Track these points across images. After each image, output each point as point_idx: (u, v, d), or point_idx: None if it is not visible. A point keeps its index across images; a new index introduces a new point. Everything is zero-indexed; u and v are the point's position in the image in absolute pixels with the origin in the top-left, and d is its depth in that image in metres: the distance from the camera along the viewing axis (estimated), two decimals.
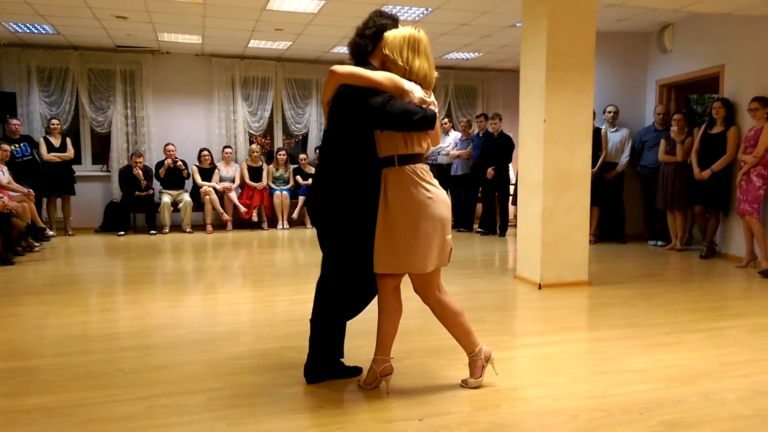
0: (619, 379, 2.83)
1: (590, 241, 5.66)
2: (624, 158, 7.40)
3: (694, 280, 5.27)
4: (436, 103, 2.61)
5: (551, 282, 4.87)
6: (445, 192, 2.65)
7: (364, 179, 2.58)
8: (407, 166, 2.52)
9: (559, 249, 4.91)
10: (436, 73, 2.65)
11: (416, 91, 2.52)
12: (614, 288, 4.85)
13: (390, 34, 2.61)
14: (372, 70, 2.54)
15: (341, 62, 8.97)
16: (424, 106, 2.51)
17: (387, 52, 2.58)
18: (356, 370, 2.87)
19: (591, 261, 5.18)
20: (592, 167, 6.46)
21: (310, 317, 2.82)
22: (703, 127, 6.48)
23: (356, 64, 2.63)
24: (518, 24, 7.02)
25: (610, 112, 7.46)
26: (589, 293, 4.72)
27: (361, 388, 2.70)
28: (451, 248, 2.69)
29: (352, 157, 2.59)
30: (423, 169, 2.56)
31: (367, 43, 2.66)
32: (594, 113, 7.38)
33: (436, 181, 2.61)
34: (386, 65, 2.59)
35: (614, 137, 7.43)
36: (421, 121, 2.47)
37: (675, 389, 2.70)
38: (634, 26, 7.34)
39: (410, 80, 2.54)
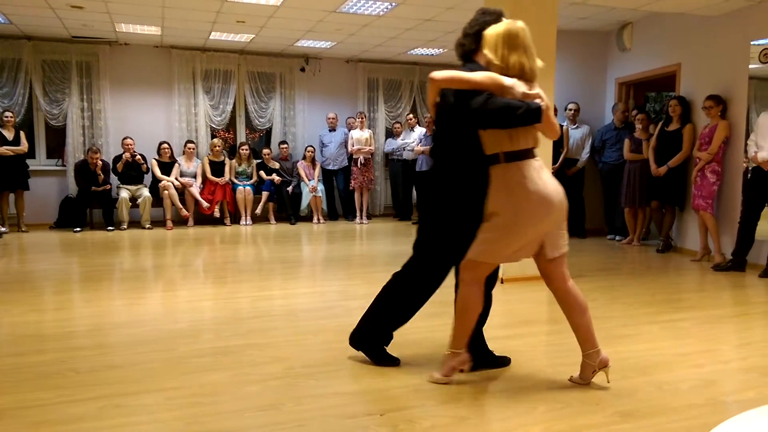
0: (577, 371, 2.87)
1: None
2: (584, 155, 7.54)
3: (650, 274, 5.40)
4: (542, 94, 2.54)
5: (513, 276, 4.93)
6: (558, 185, 2.59)
7: (474, 178, 2.60)
8: (515, 163, 2.51)
9: None
10: (540, 63, 2.60)
11: (518, 86, 2.49)
12: (575, 281, 4.92)
13: (488, 32, 2.59)
14: (477, 69, 2.56)
15: (305, 56, 8.88)
16: (527, 100, 2.47)
17: (485, 51, 2.58)
18: (395, 361, 2.92)
19: None
20: (554, 163, 6.57)
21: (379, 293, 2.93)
22: (660, 124, 6.65)
23: (463, 64, 2.69)
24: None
25: (571, 109, 7.59)
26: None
27: (572, 382, 2.68)
28: (562, 242, 2.66)
29: (462, 157, 2.63)
30: (530, 165, 2.53)
31: (471, 42, 2.69)
32: (556, 110, 7.52)
33: (546, 175, 2.57)
34: (489, 63, 2.58)
35: (575, 134, 7.56)
36: (526, 115, 2.43)
37: (630, 380, 2.76)
38: (594, 25, 7.47)
39: (509, 76, 2.51)
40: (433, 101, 2.64)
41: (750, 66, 5.74)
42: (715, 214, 5.87)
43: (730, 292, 4.71)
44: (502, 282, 4.88)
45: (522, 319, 3.85)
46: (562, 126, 7.41)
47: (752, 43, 5.71)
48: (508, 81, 2.49)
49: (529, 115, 2.43)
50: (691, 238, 6.43)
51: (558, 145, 7.04)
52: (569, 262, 5.83)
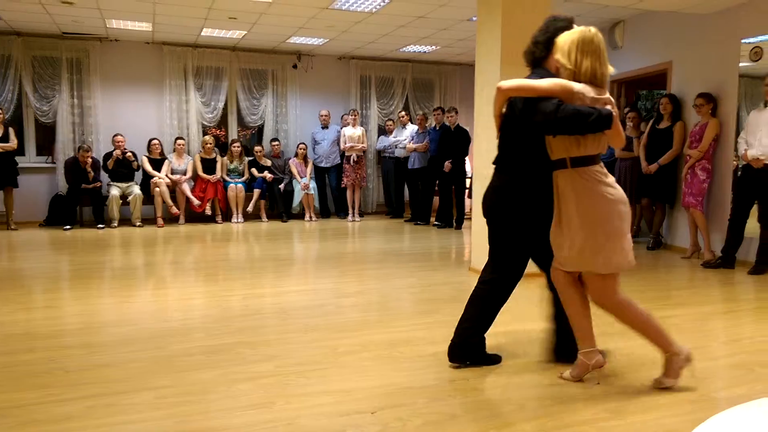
0: (568, 368, 2.88)
1: None
2: None
3: (640, 271, 5.43)
4: (612, 100, 2.57)
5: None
6: (622, 192, 2.63)
7: (541, 183, 2.67)
8: (581, 168, 2.53)
9: None
10: (612, 69, 2.63)
11: (587, 92, 2.50)
12: None
13: (560, 38, 2.62)
14: (546, 76, 2.59)
15: (297, 52, 8.83)
16: (597, 106, 2.48)
17: (557, 56, 2.59)
18: (497, 358, 2.96)
19: None
20: None
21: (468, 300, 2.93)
22: (651, 122, 6.67)
23: (531, 71, 2.73)
24: (474, 18, 7.06)
25: None
26: (540, 284, 4.77)
27: (564, 379, 2.71)
28: (627, 251, 2.63)
29: (531, 160, 2.68)
30: (596, 171, 2.55)
31: (541, 50, 2.73)
32: None
33: (611, 180, 2.60)
34: (559, 69, 2.61)
35: None
36: (597, 122, 2.44)
37: (621, 376, 2.77)
38: (586, 22, 7.44)
39: (579, 81, 2.52)
40: (499, 111, 2.69)
41: (740, 64, 5.77)
42: (704, 212, 5.90)
43: (720, 289, 4.74)
44: None
45: (514, 317, 3.85)
46: None
47: (742, 41, 5.74)
48: (577, 86, 2.50)
49: (600, 121, 2.45)
50: (681, 236, 6.46)
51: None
52: None
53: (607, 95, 2.57)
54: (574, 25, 2.69)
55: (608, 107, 2.50)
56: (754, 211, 5.36)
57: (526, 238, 2.78)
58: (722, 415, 1.17)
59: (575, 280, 2.69)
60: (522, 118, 2.60)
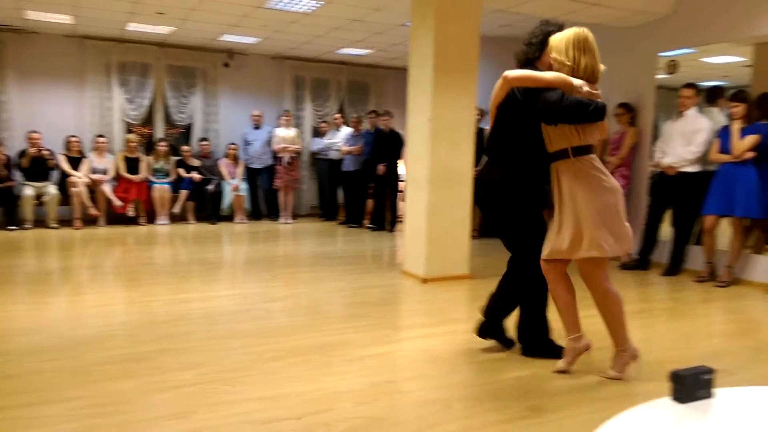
0: (494, 367, 2.95)
1: (473, 236, 5.88)
2: None
3: None
4: (601, 94, 2.76)
5: (435, 276, 5.00)
6: (615, 181, 2.85)
7: (537, 172, 2.87)
8: (582, 157, 2.72)
9: (442, 244, 5.05)
10: (602, 66, 2.80)
11: (584, 86, 2.68)
12: (493, 281, 4.98)
13: (555, 38, 2.81)
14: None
15: (229, 51, 8.62)
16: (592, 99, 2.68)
17: (554, 55, 2.77)
18: (512, 342, 3.20)
19: (473, 255, 5.38)
20: (477, 166, 6.72)
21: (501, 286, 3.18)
22: None
23: (524, 67, 2.89)
24: (408, 23, 7.13)
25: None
26: (470, 286, 4.91)
27: (559, 370, 2.85)
28: (631, 236, 2.83)
29: (525, 153, 2.86)
30: (596, 159, 2.76)
31: (535, 50, 2.93)
32: (483, 113, 7.71)
33: (605, 169, 2.81)
34: (554, 68, 2.76)
35: None
36: (595, 112, 2.65)
37: (542, 375, 2.85)
38: (516, 32, 7.70)
39: (577, 77, 2.69)
40: (499, 101, 2.83)
41: (657, 76, 6.10)
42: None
43: (635, 290, 4.98)
44: (424, 282, 4.94)
45: (442, 318, 3.90)
46: (484, 129, 7.60)
47: (659, 54, 6.06)
48: (576, 81, 2.68)
49: (598, 112, 2.67)
50: None
51: (480, 148, 7.20)
52: (490, 262, 5.99)
53: (599, 91, 2.76)
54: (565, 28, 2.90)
55: (600, 100, 2.73)
56: (668, 215, 5.68)
57: (526, 224, 2.96)
58: (623, 416, 1.21)
59: (565, 273, 2.88)
60: (523, 107, 2.77)
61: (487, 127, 8.01)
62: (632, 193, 6.27)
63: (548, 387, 2.72)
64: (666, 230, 5.69)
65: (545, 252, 2.83)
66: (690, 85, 5.47)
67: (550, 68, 2.82)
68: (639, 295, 4.81)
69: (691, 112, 5.42)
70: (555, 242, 2.78)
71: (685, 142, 5.40)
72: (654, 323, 3.96)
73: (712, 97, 5.75)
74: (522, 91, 2.77)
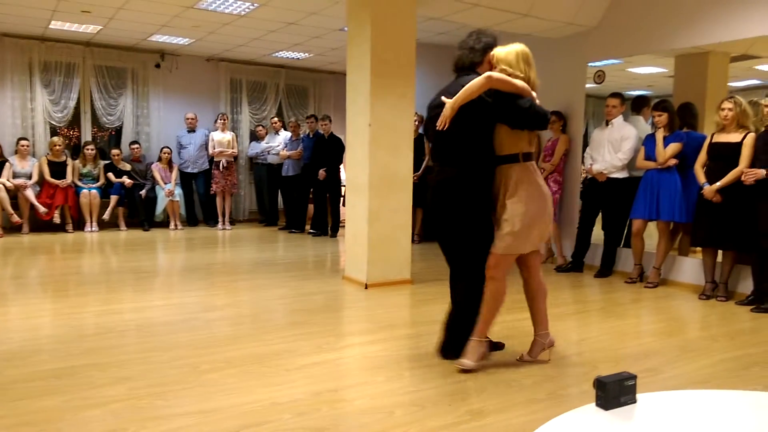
0: (433, 373, 2.96)
1: (414, 240, 5.94)
2: None
3: None
4: None
5: (377, 281, 5.00)
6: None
7: (488, 174, 2.98)
8: (529, 163, 2.96)
9: (384, 249, 5.05)
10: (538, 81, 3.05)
11: (535, 98, 2.93)
12: (433, 285, 5.11)
13: (502, 52, 3.02)
14: (469, 78, 2.91)
15: (160, 51, 8.34)
16: None
17: (504, 66, 2.95)
18: (500, 345, 3.32)
19: (414, 260, 5.41)
20: (416, 171, 6.78)
21: (454, 301, 3.16)
22: None
23: (458, 75, 3.06)
24: (345, 28, 7.12)
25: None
26: (411, 291, 4.93)
27: (523, 360, 3.13)
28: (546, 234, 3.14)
29: (479, 154, 2.96)
30: (536, 166, 3.02)
31: (478, 56, 3.05)
32: (423, 119, 7.78)
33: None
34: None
35: None
36: (547, 122, 3.00)
37: (480, 379, 2.89)
38: (452, 40, 7.82)
39: None
40: (469, 100, 2.84)
41: (587, 85, 6.34)
42: (557, 220, 6.39)
43: (570, 292, 5.14)
44: (366, 287, 4.93)
45: (384, 324, 3.90)
46: (423, 135, 7.68)
47: (588, 64, 6.31)
48: (533, 92, 2.95)
49: (548, 121, 3.00)
50: None
51: (419, 154, 7.27)
52: (430, 266, 6.04)
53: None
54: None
55: None
56: (600, 219, 5.91)
57: (479, 225, 3.00)
58: (549, 424, 1.24)
59: (527, 272, 3.12)
60: (491, 109, 2.88)
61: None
62: (565, 198, 6.48)
63: (486, 389, 2.76)
64: (598, 233, 5.91)
65: (501, 248, 2.94)
66: (616, 95, 5.71)
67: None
68: (573, 296, 4.98)
69: (618, 121, 5.66)
70: (506, 239, 2.93)
71: (613, 149, 5.63)
72: (588, 323, 4.10)
73: (637, 106, 6.03)
74: (494, 94, 2.88)
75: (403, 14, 5.02)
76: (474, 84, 2.84)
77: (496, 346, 3.31)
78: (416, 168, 6.71)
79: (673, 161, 5.09)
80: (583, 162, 6.16)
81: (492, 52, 3.06)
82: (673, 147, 5.09)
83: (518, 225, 2.91)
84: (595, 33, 6.21)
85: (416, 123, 6.81)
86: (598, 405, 1.35)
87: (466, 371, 2.94)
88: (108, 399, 2.55)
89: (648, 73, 6.11)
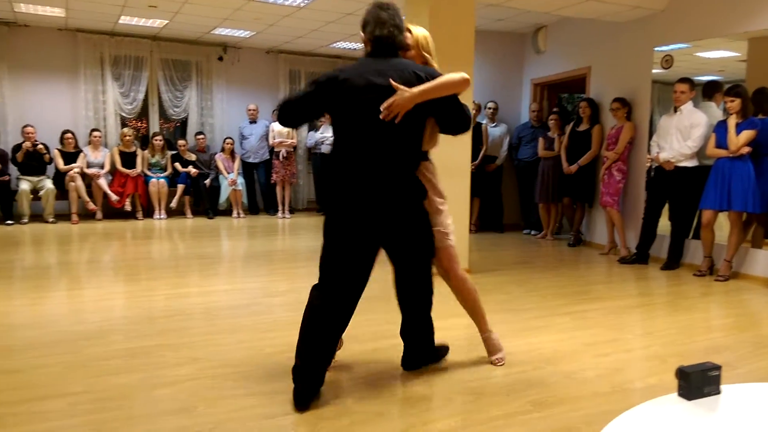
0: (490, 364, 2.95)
1: (471, 230, 5.90)
2: (503, 152, 7.78)
3: (562, 267, 5.65)
4: None
5: (433, 271, 4.99)
6: None
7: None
8: (429, 161, 2.76)
9: None
10: None
11: None
12: (492, 275, 5.08)
13: (421, 34, 2.73)
14: (412, 66, 2.52)
15: (223, 44, 8.52)
16: None
17: (425, 53, 2.72)
18: (446, 350, 3.03)
19: (471, 249, 5.38)
20: (474, 160, 6.73)
21: (409, 308, 2.82)
22: (571, 124, 6.96)
23: (384, 55, 2.51)
24: (402, 17, 7.10)
25: (490, 108, 7.80)
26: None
27: (495, 362, 2.92)
28: None
29: (420, 152, 2.63)
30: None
31: (405, 38, 2.62)
32: (480, 108, 7.71)
33: None
34: (423, 62, 2.68)
35: (494, 132, 7.77)
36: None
37: (542, 370, 2.86)
38: (511, 26, 7.70)
39: None
40: (436, 96, 2.46)
41: (653, 71, 6.11)
42: (620, 210, 6.21)
43: (635, 284, 5.00)
44: None
45: (443, 313, 3.89)
46: (481, 124, 7.60)
47: (655, 49, 6.07)
48: None
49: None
50: (599, 233, 6.77)
51: (477, 143, 7.21)
52: (488, 256, 6.00)
53: None
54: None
55: None
56: (666, 210, 5.70)
57: (428, 227, 2.74)
58: (630, 413, 1.22)
59: (445, 273, 2.91)
60: (442, 109, 2.53)
61: (484, 121, 8.04)
62: (630, 187, 6.29)
63: (546, 381, 2.73)
64: (664, 224, 5.71)
65: (452, 239, 2.82)
66: (685, 80, 5.47)
67: (418, 60, 2.68)
68: (638, 289, 4.84)
69: (688, 107, 5.43)
70: (450, 231, 2.84)
71: (681, 137, 5.42)
72: (654, 317, 3.98)
73: (708, 91, 5.76)
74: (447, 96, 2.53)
75: (461, 1, 4.97)
76: (452, 82, 2.46)
77: (442, 351, 3.01)
78: (474, 157, 6.65)
79: (747, 149, 4.85)
80: (649, 150, 5.95)
81: (415, 34, 2.70)
82: (747, 134, 4.85)
83: (445, 219, 2.79)
84: (662, 16, 5.96)
85: (474, 111, 6.74)
86: (680, 395, 1.32)
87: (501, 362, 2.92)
88: (179, 378, 2.67)
89: (719, 57, 5.82)
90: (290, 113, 2.55)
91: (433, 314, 2.89)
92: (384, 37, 2.51)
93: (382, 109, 2.38)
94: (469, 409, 2.42)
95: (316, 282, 2.58)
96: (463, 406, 2.44)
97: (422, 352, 2.85)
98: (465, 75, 2.49)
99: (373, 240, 2.57)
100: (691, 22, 5.67)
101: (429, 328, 2.85)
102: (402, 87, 2.38)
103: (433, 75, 2.49)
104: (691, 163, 5.39)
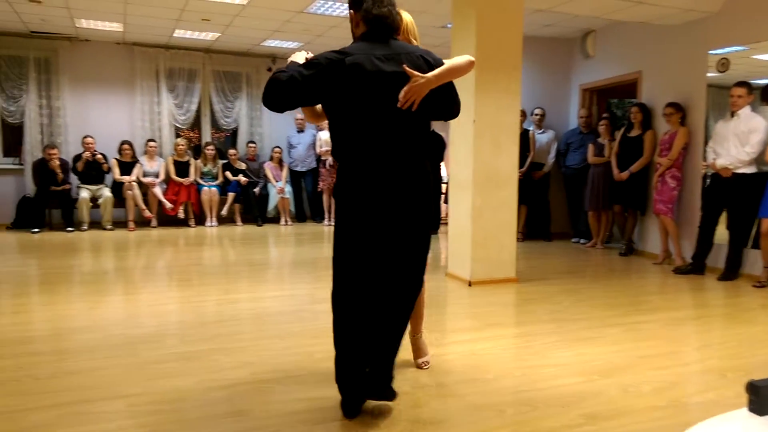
0: (544, 374, 2.91)
1: (518, 239, 5.83)
2: (550, 159, 7.67)
3: (613, 277, 5.51)
4: None
5: (480, 279, 4.97)
6: None
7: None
8: None
9: (487, 247, 5.01)
10: None
11: None
12: (540, 284, 5.01)
13: (408, 18, 2.65)
14: (413, 47, 2.42)
15: (272, 56, 8.68)
16: None
17: (411, 36, 2.66)
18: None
19: (518, 258, 5.32)
20: (521, 167, 6.66)
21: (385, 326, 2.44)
22: (622, 130, 6.80)
23: (387, 36, 2.35)
24: (449, 25, 7.11)
25: (537, 114, 7.71)
26: (517, 290, 4.85)
27: (423, 366, 2.93)
28: None
29: (426, 145, 2.46)
30: None
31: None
32: (525, 114, 7.63)
33: None
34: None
35: (541, 138, 7.67)
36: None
37: (595, 382, 2.80)
38: (559, 32, 7.60)
39: None
40: (445, 81, 2.34)
41: (708, 74, 5.92)
42: (675, 219, 6.02)
43: (690, 295, 4.84)
44: (470, 285, 4.91)
45: (490, 322, 3.87)
46: (528, 130, 7.52)
47: (710, 52, 5.88)
48: None
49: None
50: (652, 242, 6.58)
51: (524, 149, 7.13)
52: (535, 265, 5.92)
53: None
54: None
55: None
56: (724, 218, 5.49)
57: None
58: (697, 428, 1.18)
59: None
60: (446, 97, 2.41)
61: (530, 128, 7.95)
62: (685, 195, 6.10)
63: (602, 394, 2.67)
64: (722, 233, 5.51)
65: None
66: (742, 84, 5.28)
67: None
68: (695, 300, 4.68)
69: (745, 112, 5.24)
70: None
71: (739, 142, 5.22)
72: (711, 329, 3.84)
73: (767, 95, 5.54)
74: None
75: (509, 8, 4.94)
76: (462, 66, 2.35)
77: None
78: (520, 164, 6.59)
79: None
80: (705, 157, 5.76)
81: (403, 17, 2.59)
82: None
83: None
84: (717, 18, 5.78)
85: (521, 118, 6.67)
86: (751, 410, 1.27)
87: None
88: (233, 381, 2.73)
89: None
90: (282, 95, 2.22)
91: (471, 323, 2.82)
92: (383, 17, 2.31)
93: (400, 97, 2.23)
94: (520, 420, 2.39)
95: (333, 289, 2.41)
96: (514, 417, 2.41)
97: (386, 378, 2.41)
98: (471, 57, 2.40)
99: (389, 232, 2.32)
100: (747, 24, 5.47)
101: (396, 349, 2.45)
102: (417, 73, 2.24)
103: (438, 60, 2.37)
104: (750, 170, 5.18)
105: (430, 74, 2.27)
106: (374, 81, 2.23)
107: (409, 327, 2.76)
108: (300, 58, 2.37)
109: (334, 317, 2.40)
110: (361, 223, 2.31)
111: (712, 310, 4.41)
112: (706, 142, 5.78)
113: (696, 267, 5.60)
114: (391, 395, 2.40)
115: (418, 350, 3.00)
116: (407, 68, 2.24)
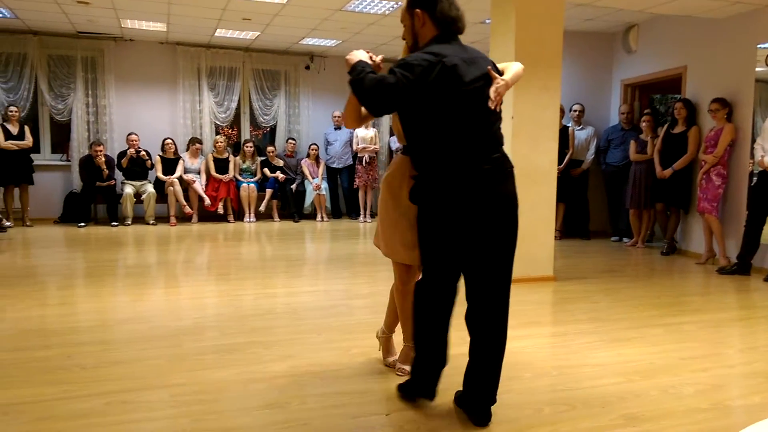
0: (582, 374, 2.87)
1: (555, 236, 5.75)
2: (589, 156, 7.53)
3: (654, 276, 5.39)
4: None
5: (518, 277, 4.86)
6: None
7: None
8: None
9: (525, 244, 4.92)
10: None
11: None
12: (578, 283, 4.94)
13: None
14: (474, 49, 2.39)
15: (310, 54, 8.74)
16: None
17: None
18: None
19: (556, 256, 5.26)
20: (559, 164, 6.57)
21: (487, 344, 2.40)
22: (665, 126, 6.63)
23: (457, 38, 2.37)
24: (488, 21, 7.05)
25: (575, 110, 7.58)
26: (554, 288, 4.80)
27: (402, 371, 2.77)
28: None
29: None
30: None
31: None
32: (563, 111, 7.51)
33: None
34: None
35: (580, 135, 7.54)
36: None
37: (635, 383, 2.75)
38: (600, 26, 7.45)
39: None
40: None
41: (756, 69, 5.72)
42: (720, 218, 5.85)
43: (735, 296, 4.70)
44: None
45: (528, 321, 3.84)
46: (567, 127, 7.40)
47: (758, 46, 5.69)
48: None
49: None
50: (695, 241, 6.41)
51: (563, 146, 7.02)
52: (573, 264, 5.84)
53: None
54: None
55: None
56: None
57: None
58: (754, 428, 1.15)
59: None
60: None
61: (569, 124, 7.83)
62: (730, 193, 5.92)
63: (642, 395, 2.62)
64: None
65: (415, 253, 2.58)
66: None
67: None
68: (739, 302, 4.54)
69: None
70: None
71: None
72: (757, 331, 3.73)
73: None
74: None
75: (549, 2, 4.87)
76: (521, 73, 2.39)
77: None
78: (559, 161, 6.50)
79: None
80: (752, 154, 5.58)
81: None
82: None
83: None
84: (766, 12, 5.58)
85: (560, 114, 6.58)
86: None
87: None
88: (272, 374, 2.79)
89: None
90: (392, 98, 2.20)
91: (510, 323, 2.76)
92: (458, 19, 2.34)
93: (492, 97, 2.20)
94: (558, 419, 2.37)
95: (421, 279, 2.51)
96: (553, 417, 2.39)
97: (489, 398, 2.33)
98: (522, 65, 2.43)
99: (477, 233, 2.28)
100: None
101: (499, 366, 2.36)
102: (497, 75, 2.26)
103: (495, 66, 2.36)
104: None
105: (507, 77, 2.29)
106: (470, 83, 2.21)
107: (383, 324, 2.94)
108: (363, 56, 2.42)
109: (417, 303, 2.48)
110: (463, 225, 2.26)
111: (757, 311, 4.28)
112: (753, 139, 5.60)
113: (741, 267, 5.43)
114: (486, 418, 2.31)
115: (386, 349, 2.95)
116: (491, 71, 2.26)
